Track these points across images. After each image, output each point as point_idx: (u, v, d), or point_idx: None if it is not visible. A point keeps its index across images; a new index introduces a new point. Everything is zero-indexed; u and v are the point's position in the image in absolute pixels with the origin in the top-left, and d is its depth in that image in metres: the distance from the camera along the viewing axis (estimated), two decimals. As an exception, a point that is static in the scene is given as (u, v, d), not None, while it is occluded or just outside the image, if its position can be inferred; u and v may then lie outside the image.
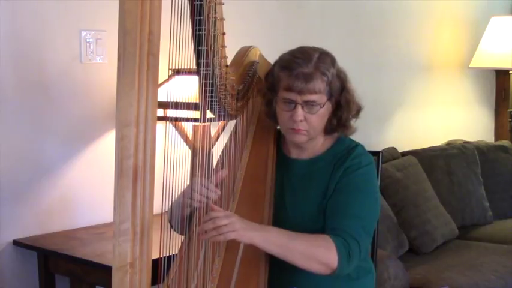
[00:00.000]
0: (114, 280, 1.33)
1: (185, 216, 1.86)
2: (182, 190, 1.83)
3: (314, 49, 1.96)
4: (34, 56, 2.56)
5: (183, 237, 1.87)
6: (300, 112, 1.91)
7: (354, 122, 2.02)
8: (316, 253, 1.81)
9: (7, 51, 2.48)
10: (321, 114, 1.93)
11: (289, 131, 1.96)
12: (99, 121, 2.73)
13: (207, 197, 1.78)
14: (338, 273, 1.82)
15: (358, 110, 2.01)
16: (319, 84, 1.90)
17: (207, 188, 1.79)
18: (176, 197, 1.88)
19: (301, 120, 1.92)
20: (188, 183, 1.83)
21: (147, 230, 1.34)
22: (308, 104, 1.90)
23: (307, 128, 1.93)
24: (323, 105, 1.91)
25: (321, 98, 1.91)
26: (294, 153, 2.04)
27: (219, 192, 1.81)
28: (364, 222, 1.89)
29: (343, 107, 1.96)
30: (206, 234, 1.71)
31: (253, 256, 1.80)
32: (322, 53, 1.94)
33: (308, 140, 1.98)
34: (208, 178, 1.81)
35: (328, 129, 1.99)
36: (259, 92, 2.12)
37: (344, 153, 1.98)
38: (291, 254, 1.79)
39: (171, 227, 1.94)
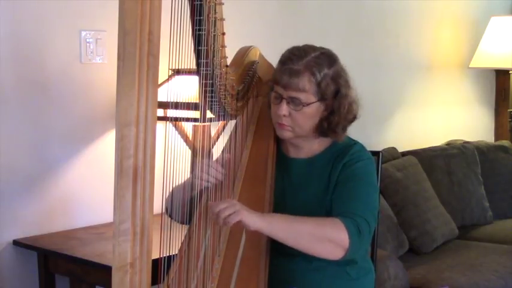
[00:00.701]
0: (114, 280, 1.33)
1: (186, 201, 1.88)
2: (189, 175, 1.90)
3: (315, 48, 1.94)
4: (34, 56, 2.55)
5: (183, 237, 1.86)
6: (284, 107, 1.91)
7: (344, 129, 1.99)
8: (325, 232, 1.76)
9: (7, 51, 2.48)
10: (306, 113, 1.91)
11: (276, 124, 1.97)
12: (99, 121, 2.73)
13: (215, 178, 1.86)
14: (351, 253, 1.77)
15: (352, 119, 1.99)
16: (305, 83, 1.88)
17: (215, 169, 1.86)
18: (176, 192, 1.90)
19: (284, 115, 1.92)
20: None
21: (147, 230, 1.34)
22: (293, 101, 1.90)
23: (291, 124, 1.93)
24: (307, 105, 1.90)
25: (306, 97, 1.89)
26: (292, 153, 2.04)
27: (224, 171, 1.89)
28: (369, 206, 1.88)
29: (335, 111, 1.94)
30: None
31: (253, 256, 1.80)
32: (322, 54, 1.93)
33: (295, 137, 1.97)
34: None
35: (319, 131, 1.97)
36: (266, 83, 2.12)
37: (342, 151, 1.97)
38: (298, 237, 1.74)
39: (170, 217, 1.94)
